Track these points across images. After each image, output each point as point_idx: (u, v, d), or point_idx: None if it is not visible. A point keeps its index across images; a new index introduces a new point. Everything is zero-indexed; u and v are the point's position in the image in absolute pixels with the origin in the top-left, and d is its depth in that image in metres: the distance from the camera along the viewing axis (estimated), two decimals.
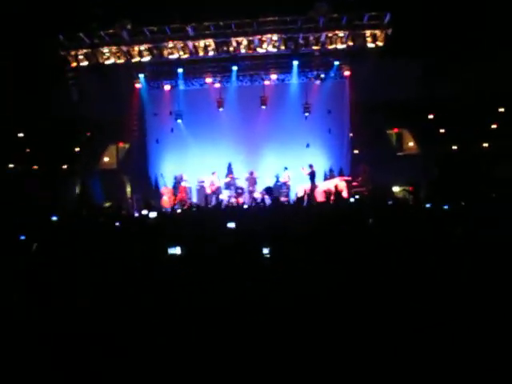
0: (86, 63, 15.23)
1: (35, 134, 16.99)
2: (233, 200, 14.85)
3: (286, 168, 16.03)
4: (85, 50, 15.13)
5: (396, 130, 18.99)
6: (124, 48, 15.05)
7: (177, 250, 4.36)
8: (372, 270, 3.18)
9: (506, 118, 17.19)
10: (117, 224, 7.02)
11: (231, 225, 5.88)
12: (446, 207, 8.00)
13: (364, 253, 3.86)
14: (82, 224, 7.65)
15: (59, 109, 16.36)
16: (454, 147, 17.87)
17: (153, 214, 8.56)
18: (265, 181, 15.91)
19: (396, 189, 15.12)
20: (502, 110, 17.57)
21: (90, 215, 9.09)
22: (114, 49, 15.07)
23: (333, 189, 13.88)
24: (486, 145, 17.67)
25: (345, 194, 13.91)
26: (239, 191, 15.44)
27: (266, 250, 4.33)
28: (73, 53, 15.14)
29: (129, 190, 17.64)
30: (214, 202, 14.41)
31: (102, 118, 16.12)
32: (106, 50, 15.09)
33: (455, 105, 16.62)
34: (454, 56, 15.57)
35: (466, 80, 15.80)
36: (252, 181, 15.68)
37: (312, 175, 15.02)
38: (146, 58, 15.23)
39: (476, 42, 15.31)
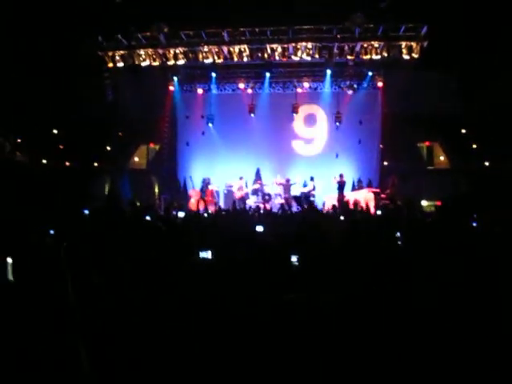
0: (122, 64, 15.53)
1: (69, 132, 17.39)
2: (260, 206, 14.88)
3: (312, 178, 15.96)
4: (122, 52, 15.44)
5: (427, 144, 18.76)
6: (160, 51, 15.31)
7: (208, 254, 4.34)
8: (401, 285, 3.14)
9: None
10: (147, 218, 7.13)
11: (259, 228, 5.91)
12: (474, 224, 7.86)
13: (392, 266, 3.82)
14: (113, 219, 7.76)
15: (94, 108, 16.70)
16: (486, 163, 17.53)
17: (181, 214, 8.63)
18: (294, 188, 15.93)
19: (424, 203, 14.91)
20: None
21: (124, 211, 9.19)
22: (150, 51, 15.34)
23: (361, 201, 13.79)
24: None
25: (372, 205, 13.76)
26: (266, 198, 15.45)
27: (294, 258, 4.32)
28: (110, 54, 15.49)
29: (157, 190, 17.87)
30: (240, 206, 14.45)
31: (134, 119, 16.39)
32: (142, 52, 15.37)
33: (489, 120, 16.32)
34: (489, 72, 15.30)
35: (501, 95, 15.50)
36: (287, 188, 15.67)
37: (341, 185, 14.92)
38: (181, 61, 15.44)
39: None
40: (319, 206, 15.21)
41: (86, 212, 8.21)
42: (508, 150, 16.91)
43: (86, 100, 16.55)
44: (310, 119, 17.03)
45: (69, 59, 15.46)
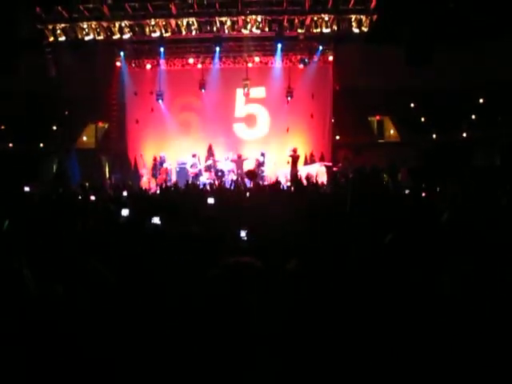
0: (63, 38, 14.76)
1: (10, 112, 16.51)
2: (213, 182, 14.74)
3: (262, 153, 15.89)
4: (63, 25, 14.66)
5: (378, 118, 19.07)
6: (104, 24, 14.65)
7: (157, 220, 4.56)
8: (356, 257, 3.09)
9: (485, 109, 17.41)
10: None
11: (211, 200, 5.91)
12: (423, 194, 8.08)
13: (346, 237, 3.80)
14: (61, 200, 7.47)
15: (36, 85, 15.93)
16: (434, 136, 18.05)
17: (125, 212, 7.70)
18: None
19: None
20: (481, 101, 17.76)
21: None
22: (93, 24, 14.64)
23: (313, 175, 13.89)
24: (464, 135, 17.89)
25: (324, 179, 13.90)
26: (219, 174, 15.30)
27: (243, 233, 4.30)
28: (50, 27, 14.66)
29: (107, 170, 17.39)
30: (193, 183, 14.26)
31: (80, 96, 15.75)
32: (85, 25, 14.64)
33: (437, 94, 16.73)
34: (438, 45, 15.58)
35: (449, 70, 15.88)
36: (239, 164, 15.52)
37: (294, 159, 14.97)
38: (127, 35, 14.85)
39: (461, 33, 15.34)
40: (272, 180, 15.25)
41: (27, 189, 7.87)
42: (454, 123, 17.47)
43: (27, 77, 15.72)
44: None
45: (5, 33, 14.57)
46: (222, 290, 2.04)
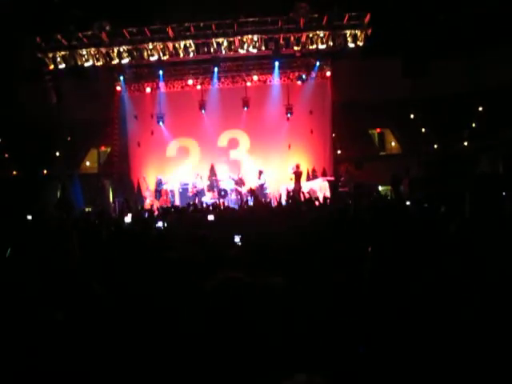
0: (63, 66, 14.97)
1: (14, 139, 16.69)
2: (216, 202, 14.73)
3: (260, 171, 15.82)
4: (62, 52, 14.90)
5: (378, 130, 19.11)
6: (103, 50, 14.88)
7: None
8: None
9: (484, 117, 17.42)
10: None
11: (210, 217, 6.03)
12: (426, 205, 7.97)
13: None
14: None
15: (38, 113, 16.12)
16: (436, 146, 18.04)
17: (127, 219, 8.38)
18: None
19: (380, 188, 15.16)
20: (480, 109, 17.78)
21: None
22: (92, 50, 14.88)
23: (317, 190, 13.88)
24: (466, 143, 17.86)
25: (328, 194, 13.87)
26: (222, 193, 15.30)
27: (237, 238, 4.41)
28: (50, 55, 14.90)
29: (111, 194, 17.44)
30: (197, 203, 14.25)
31: (82, 122, 15.92)
32: (84, 51, 14.88)
33: (436, 104, 16.79)
34: (434, 55, 15.72)
35: (446, 80, 15.98)
36: (240, 183, 15.53)
37: (297, 175, 14.97)
38: (126, 60, 15.06)
39: (456, 42, 15.49)
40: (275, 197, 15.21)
41: (29, 217, 7.91)
42: (455, 133, 17.48)
43: (29, 105, 15.93)
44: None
45: (7, 63, 14.82)
46: (222, 303, 2.05)
